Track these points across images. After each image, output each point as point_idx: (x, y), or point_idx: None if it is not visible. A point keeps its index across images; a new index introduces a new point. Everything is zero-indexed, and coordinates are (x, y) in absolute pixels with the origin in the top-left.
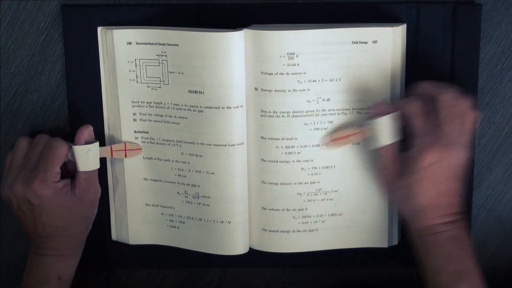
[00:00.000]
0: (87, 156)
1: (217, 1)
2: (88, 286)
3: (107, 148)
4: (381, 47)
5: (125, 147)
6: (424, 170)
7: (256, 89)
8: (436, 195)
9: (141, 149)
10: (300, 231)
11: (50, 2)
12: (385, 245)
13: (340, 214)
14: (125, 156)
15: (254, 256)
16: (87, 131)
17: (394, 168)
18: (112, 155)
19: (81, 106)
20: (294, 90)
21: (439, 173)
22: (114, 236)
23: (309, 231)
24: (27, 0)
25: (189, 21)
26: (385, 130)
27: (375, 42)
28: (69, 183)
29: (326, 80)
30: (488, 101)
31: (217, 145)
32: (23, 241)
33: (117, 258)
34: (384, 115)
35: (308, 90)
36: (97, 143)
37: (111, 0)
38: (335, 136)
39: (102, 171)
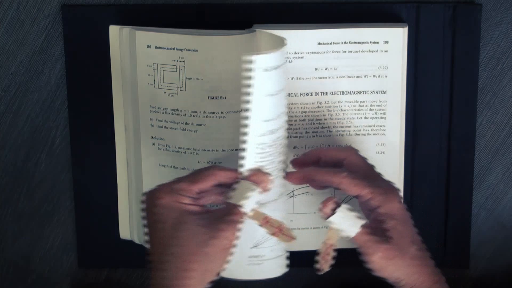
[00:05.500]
0: (244, 193)
1: (217, 1)
2: (88, 285)
3: (262, 215)
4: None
5: (282, 228)
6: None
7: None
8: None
9: (294, 240)
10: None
11: (50, 2)
12: None
13: None
14: (275, 235)
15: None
16: (266, 179)
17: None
18: (263, 224)
19: (81, 106)
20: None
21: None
22: (128, 236)
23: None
24: (27, 0)
25: (189, 21)
26: (345, 223)
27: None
28: (209, 215)
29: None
30: (488, 101)
31: (239, 149)
32: (23, 241)
33: (117, 258)
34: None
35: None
36: (259, 194)
37: (111, 0)
38: (320, 263)
39: (111, 172)
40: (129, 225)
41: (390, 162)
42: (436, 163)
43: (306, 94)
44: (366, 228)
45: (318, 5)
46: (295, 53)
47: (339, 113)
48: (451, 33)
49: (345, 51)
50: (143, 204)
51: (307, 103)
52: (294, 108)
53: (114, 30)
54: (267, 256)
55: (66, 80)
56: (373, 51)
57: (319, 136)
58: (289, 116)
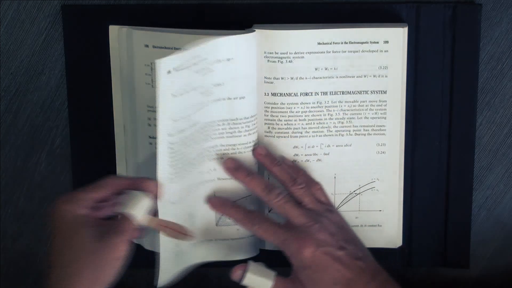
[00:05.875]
0: (132, 202)
1: (217, 1)
2: None
3: (156, 219)
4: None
5: (177, 230)
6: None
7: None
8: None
9: (193, 237)
10: None
11: (50, 2)
12: (394, 245)
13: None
14: (173, 237)
15: (255, 256)
16: (152, 186)
17: None
18: (158, 229)
19: (81, 106)
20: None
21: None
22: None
23: None
24: (27, 0)
25: (189, 21)
26: (257, 282)
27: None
28: (99, 223)
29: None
30: (488, 101)
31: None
32: (23, 241)
33: None
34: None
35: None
36: (150, 200)
37: (111, 0)
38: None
39: (111, 173)
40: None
41: (390, 162)
42: (436, 163)
43: (306, 94)
44: (285, 280)
45: (318, 5)
46: (295, 53)
47: (339, 113)
48: (451, 33)
49: (345, 51)
50: (47, 213)
51: (307, 103)
52: (294, 108)
53: (113, 30)
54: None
55: (66, 80)
56: (373, 51)
57: (319, 136)
58: (289, 116)
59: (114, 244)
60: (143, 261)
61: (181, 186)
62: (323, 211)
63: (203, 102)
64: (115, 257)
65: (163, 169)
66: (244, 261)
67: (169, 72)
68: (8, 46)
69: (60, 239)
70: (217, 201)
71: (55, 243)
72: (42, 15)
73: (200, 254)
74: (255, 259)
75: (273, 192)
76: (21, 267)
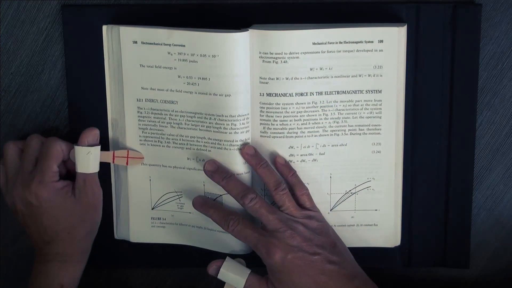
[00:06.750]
0: (86, 158)
1: (217, 1)
2: (88, 285)
3: (109, 153)
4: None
5: (127, 155)
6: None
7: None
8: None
9: (143, 157)
10: None
11: (50, 2)
12: (391, 245)
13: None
14: (126, 163)
15: (255, 256)
16: (92, 133)
17: None
18: (113, 161)
19: (81, 106)
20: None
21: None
22: (123, 236)
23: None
24: (27, 0)
25: (190, 21)
26: (232, 277)
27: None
28: (70, 184)
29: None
30: (488, 101)
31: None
32: (23, 241)
33: (117, 258)
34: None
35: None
36: (99, 147)
37: (111, 0)
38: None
39: (108, 173)
40: (117, 224)
41: (386, 161)
42: (436, 163)
43: (301, 94)
44: (260, 279)
45: (319, 5)
46: (290, 53)
47: (334, 113)
48: (451, 33)
49: (340, 51)
50: (18, 199)
51: (302, 103)
52: (290, 108)
53: (105, 30)
54: None
55: (66, 80)
56: (367, 51)
57: (315, 136)
58: (284, 116)
59: (93, 200)
60: (143, 261)
61: (154, 153)
62: (300, 217)
63: (186, 89)
64: (97, 203)
65: (132, 130)
66: (224, 256)
67: (135, 42)
68: (8, 46)
69: (51, 215)
70: (199, 200)
71: (47, 219)
72: (42, 15)
73: (185, 237)
74: (249, 257)
75: (247, 197)
76: (21, 267)
